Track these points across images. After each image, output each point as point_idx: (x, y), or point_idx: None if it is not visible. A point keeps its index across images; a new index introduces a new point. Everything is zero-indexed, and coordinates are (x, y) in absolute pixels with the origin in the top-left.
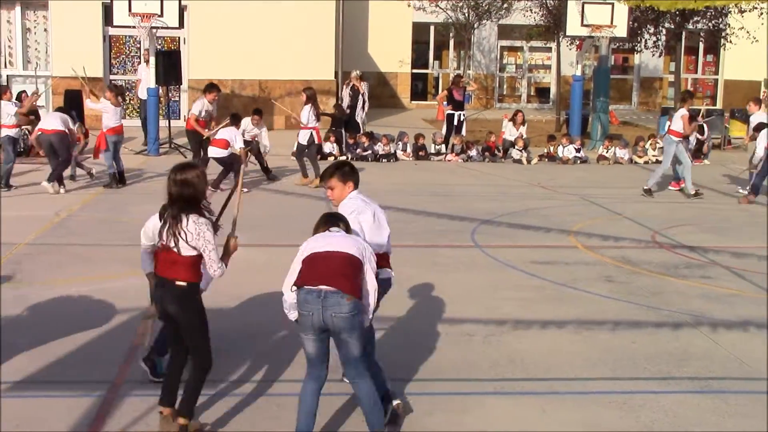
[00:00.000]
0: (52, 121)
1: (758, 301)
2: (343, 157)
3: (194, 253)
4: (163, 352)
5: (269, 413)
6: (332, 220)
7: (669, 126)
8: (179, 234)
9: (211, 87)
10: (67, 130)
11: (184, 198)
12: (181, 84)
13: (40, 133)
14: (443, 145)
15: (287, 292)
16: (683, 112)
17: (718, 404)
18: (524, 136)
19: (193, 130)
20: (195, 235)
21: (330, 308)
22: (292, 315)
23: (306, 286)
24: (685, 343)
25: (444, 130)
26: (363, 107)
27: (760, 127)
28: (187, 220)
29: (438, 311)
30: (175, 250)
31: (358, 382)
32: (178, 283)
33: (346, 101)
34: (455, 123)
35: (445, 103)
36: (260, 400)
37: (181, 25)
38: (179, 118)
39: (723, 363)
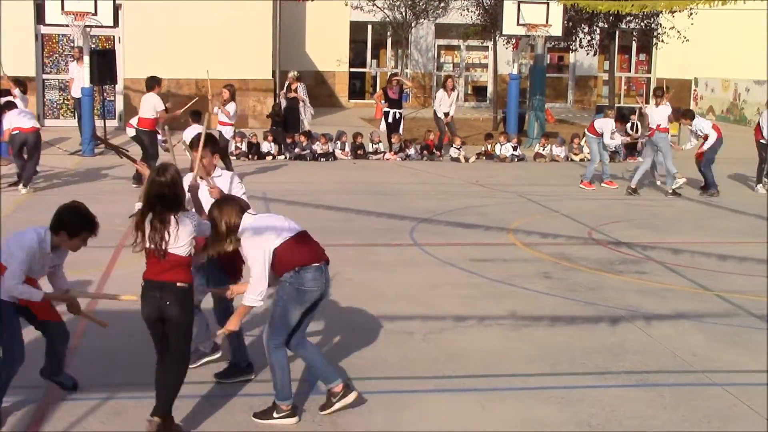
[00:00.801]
0: (27, 120)
1: (690, 294)
2: (282, 157)
3: (188, 252)
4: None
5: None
6: (241, 203)
7: (659, 125)
8: (169, 236)
9: (157, 79)
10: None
11: (169, 199)
12: (116, 83)
13: (17, 132)
14: (380, 144)
15: (264, 283)
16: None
17: (654, 397)
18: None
19: (150, 130)
20: (185, 233)
21: (328, 280)
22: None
23: (314, 264)
24: (621, 338)
25: (382, 128)
26: (305, 107)
27: (687, 114)
28: (175, 221)
29: (377, 310)
30: (172, 252)
31: (308, 347)
32: (179, 284)
33: (283, 102)
34: (390, 121)
35: (382, 101)
36: (234, 401)
37: (116, 23)
38: (114, 118)
39: (658, 356)
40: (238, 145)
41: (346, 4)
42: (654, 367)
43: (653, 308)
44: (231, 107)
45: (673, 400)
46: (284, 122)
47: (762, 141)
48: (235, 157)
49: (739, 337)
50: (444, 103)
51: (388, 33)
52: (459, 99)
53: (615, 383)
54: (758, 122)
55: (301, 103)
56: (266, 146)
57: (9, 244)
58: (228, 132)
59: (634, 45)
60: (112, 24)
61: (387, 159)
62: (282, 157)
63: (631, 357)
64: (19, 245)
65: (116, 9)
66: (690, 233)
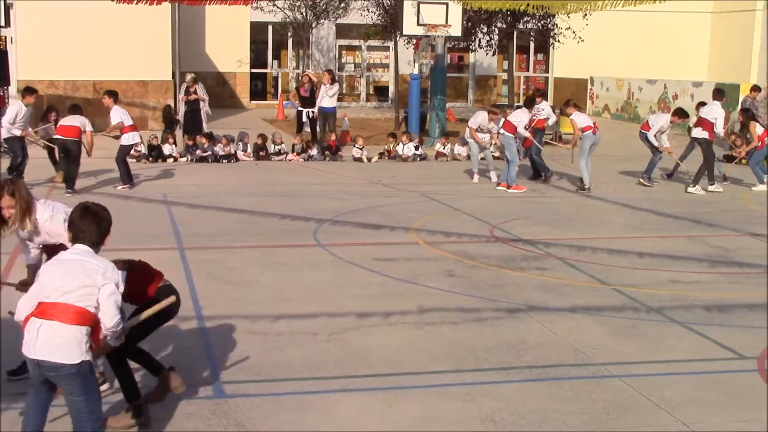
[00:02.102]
0: None
1: (590, 289)
2: (183, 159)
3: None
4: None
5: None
6: None
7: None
8: None
9: (29, 90)
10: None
11: None
12: (9, 85)
13: None
14: (282, 145)
15: None
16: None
17: (555, 390)
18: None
19: (12, 136)
20: None
21: None
22: None
23: None
24: (523, 334)
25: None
26: (204, 109)
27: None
28: None
29: (282, 311)
30: None
31: None
32: None
33: (183, 106)
34: (305, 119)
35: (288, 102)
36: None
37: (7, 23)
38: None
39: (559, 350)
40: (138, 148)
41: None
42: (555, 361)
43: (554, 303)
44: (116, 114)
45: (573, 392)
46: (185, 124)
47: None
48: (135, 160)
49: (635, 330)
50: (324, 98)
51: (289, 33)
52: (361, 99)
53: (517, 378)
54: (704, 118)
55: (201, 103)
56: (167, 148)
57: None
58: (129, 138)
59: (532, 45)
60: (3, 24)
61: (289, 160)
62: (183, 159)
63: (533, 352)
64: None
65: (7, 9)
66: (588, 229)
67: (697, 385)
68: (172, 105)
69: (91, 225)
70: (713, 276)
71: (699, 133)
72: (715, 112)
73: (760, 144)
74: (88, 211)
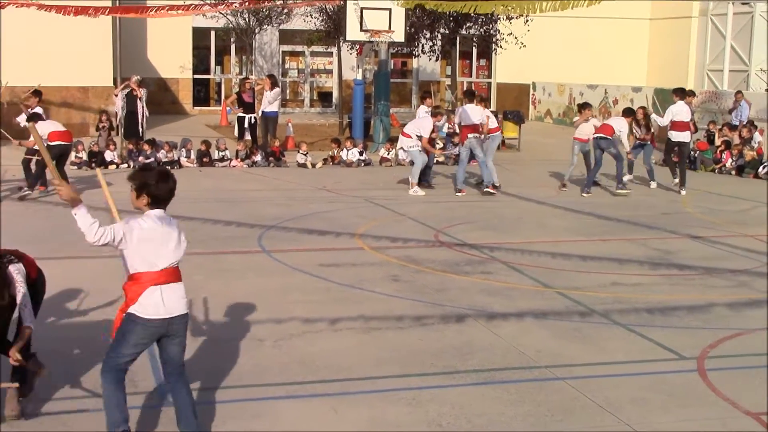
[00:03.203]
0: None
1: (534, 293)
2: (125, 165)
3: None
4: None
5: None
6: None
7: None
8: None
9: None
10: None
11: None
12: None
13: None
14: (226, 151)
15: None
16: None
17: (501, 393)
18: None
19: None
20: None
21: None
22: None
23: None
24: (469, 337)
25: (236, 133)
26: (143, 113)
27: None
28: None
29: (227, 318)
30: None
31: None
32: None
33: (119, 105)
34: (246, 125)
35: (235, 107)
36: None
37: None
38: None
39: (504, 354)
40: (79, 154)
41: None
42: (500, 365)
43: (499, 307)
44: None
45: (518, 395)
46: (125, 127)
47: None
48: (76, 167)
49: (579, 332)
50: (264, 103)
51: (232, 39)
52: (305, 105)
53: (463, 382)
54: (678, 120)
55: (139, 102)
56: (109, 155)
57: None
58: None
59: (475, 50)
60: None
61: (233, 166)
62: (125, 165)
63: (479, 355)
64: None
65: None
66: (531, 233)
67: (640, 385)
68: (100, 111)
69: (167, 189)
70: (654, 278)
71: (678, 136)
72: (688, 112)
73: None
74: (167, 176)
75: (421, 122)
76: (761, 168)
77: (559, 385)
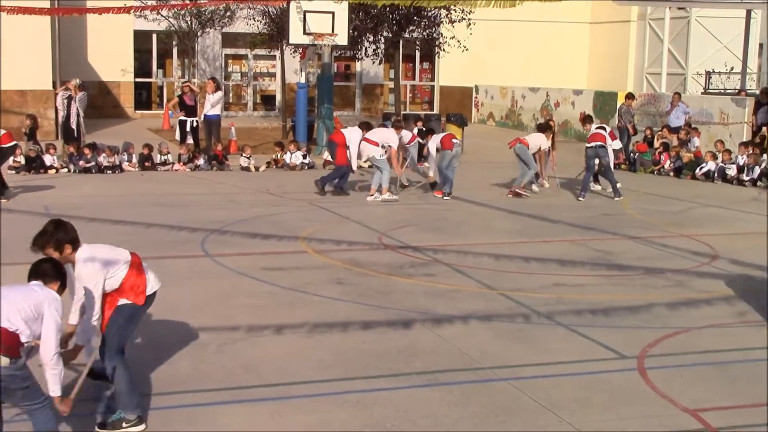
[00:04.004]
0: None
1: (477, 294)
2: (65, 170)
3: None
4: None
5: None
6: None
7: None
8: None
9: None
10: None
11: None
12: None
13: None
14: (169, 155)
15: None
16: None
17: (445, 395)
18: None
19: None
20: None
21: None
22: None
23: None
24: (413, 340)
25: (178, 137)
26: (77, 115)
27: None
28: None
29: (170, 323)
30: None
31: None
32: None
33: (60, 109)
34: (188, 129)
35: (177, 110)
36: None
37: None
38: None
39: (448, 356)
40: (17, 159)
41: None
42: (444, 367)
43: (442, 309)
44: None
45: (462, 397)
46: (65, 133)
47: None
48: (14, 171)
49: (522, 333)
50: (206, 107)
51: (174, 42)
52: (248, 108)
53: (408, 384)
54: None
55: (72, 103)
56: (48, 159)
57: None
58: None
59: (418, 54)
60: None
61: (176, 170)
62: (66, 170)
63: (423, 357)
64: None
65: None
66: (475, 235)
67: (582, 385)
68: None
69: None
70: (596, 279)
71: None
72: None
73: None
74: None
75: (389, 133)
76: (698, 169)
77: (503, 386)
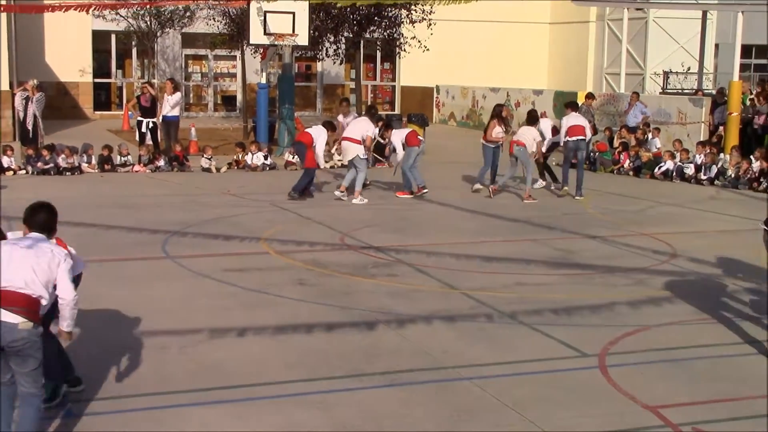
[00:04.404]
0: None
1: (439, 294)
2: (23, 172)
3: None
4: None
5: None
6: None
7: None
8: None
9: None
10: None
11: None
12: None
13: None
14: (129, 156)
15: None
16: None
17: (408, 395)
18: None
19: None
20: None
21: None
22: None
23: None
24: (375, 340)
25: (138, 138)
26: (34, 116)
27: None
28: None
29: (131, 325)
30: None
31: None
32: None
33: (18, 109)
34: (144, 130)
35: (137, 111)
36: None
37: None
38: None
39: (411, 356)
40: None
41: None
42: (407, 366)
43: (405, 309)
44: None
45: (425, 396)
46: (21, 131)
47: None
48: None
49: (484, 333)
50: (166, 108)
51: (133, 42)
52: (209, 109)
53: (370, 384)
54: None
55: (30, 104)
56: (6, 160)
57: None
58: None
59: (379, 54)
60: None
61: (136, 171)
62: (23, 172)
63: (385, 358)
64: None
65: None
66: (436, 235)
67: (544, 383)
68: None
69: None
70: (557, 277)
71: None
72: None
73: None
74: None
75: (362, 124)
76: (657, 169)
77: (466, 385)
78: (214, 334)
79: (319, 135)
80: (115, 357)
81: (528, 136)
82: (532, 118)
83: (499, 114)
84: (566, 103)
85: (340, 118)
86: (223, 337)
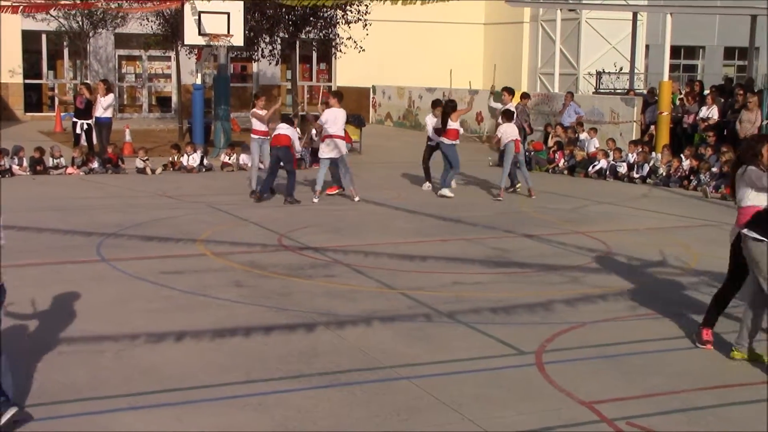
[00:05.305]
0: None
1: (377, 294)
2: None
3: None
4: None
5: None
6: None
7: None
8: None
9: None
10: None
11: None
12: None
13: None
14: (62, 158)
15: None
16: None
17: (346, 395)
18: None
19: None
20: None
21: None
22: None
23: None
24: (314, 341)
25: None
26: None
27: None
28: None
29: (66, 330)
30: None
31: None
32: None
33: None
34: (78, 131)
35: (65, 114)
36: None
37: None
38: None
39: (349, 356)
40: None
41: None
42: (346, 367)
43: (343, 310)
44: None
45: (365, 397)
46: None
47: (430, 143)
48: None
49: (423, 332)
50: (98, 109)
51: (65, 43)
52: (144, 110)
53: (309, 385)
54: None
55: None
56: None
57: None
58: None
59: (315, 54)
60: None
61: (69, 173)
62: None
63: (324, 358)
64: None
65: None
66: (374, 235)
67: (482, 382)
68: None
69: None
70: (494, 276)
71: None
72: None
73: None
74: None
75: (339, 114)
76: (591, 167)
77: (405, 385)
78: (150, 338)
79: (293, 133)
80: (49, 362)
81: (508, 133)
82: (510, 115)
83: (455, 108)
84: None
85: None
86: (159, 341)
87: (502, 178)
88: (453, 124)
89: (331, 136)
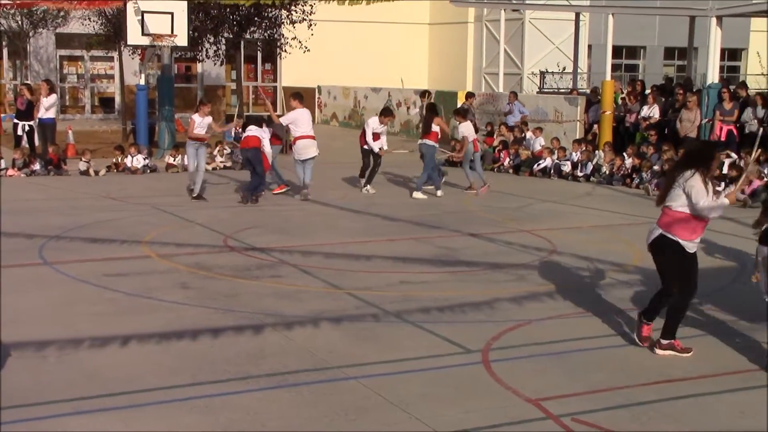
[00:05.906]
0: None
1: (324, 294)
2: None
3: None
4: None
5: None
6: None
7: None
8: None
9: None
10: None
11: None
12: None
13: None
14: (2, 160)
15: None
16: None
17: (295, 396)
18: None
19: None
20: None
21: None
22: None
23: None
24: (261, 342)
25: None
26: None
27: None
28: None
29: (7, 334)
30: None
31: None
32: None
33: None
34: (20, 133)
35: (5, 115)
36: None
37: None
38: None
39: (297, 356)
40: None
41: None
42: (293, 368)
43: (290, 310)
44: None
45: (312, 397)
46: None
47: (365, 147)
48: None
49: (370, 332)
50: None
51: (4, 43)
52: (86, 111)
53: (256, 387)
54: (363, 129)
55: None
56: None
57: None
58: None
59: (260, 55)
60: None
61: (10, 175)
62: None
63: (271, 359)
64: None
65: None
66: (320, 235)
67: (429, 381)
68: None
69: None
70: (440, 275)
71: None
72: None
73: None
74: None
75: (304, 113)
76: (535, 166)
77: (352, 385)
78: (94, 341)
79: (262, 135)
80: None
81: (468, 132)
82: (465, 113)
83: (437, 113)
84: (456, 110)
85: (196, 117)
86: (103, 344)
87: (468, 174)
88: (435, 127)
89: (303, 137)
